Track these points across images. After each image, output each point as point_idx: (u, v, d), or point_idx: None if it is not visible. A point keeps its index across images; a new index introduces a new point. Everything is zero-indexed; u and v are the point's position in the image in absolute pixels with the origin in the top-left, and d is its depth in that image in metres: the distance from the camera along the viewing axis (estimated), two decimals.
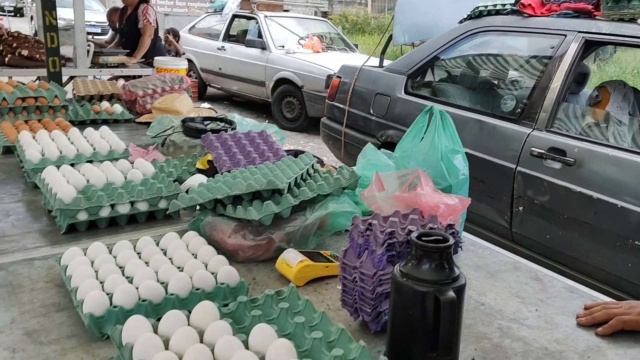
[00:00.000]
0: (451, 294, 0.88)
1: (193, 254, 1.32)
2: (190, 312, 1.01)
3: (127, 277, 1.19)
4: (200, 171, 2.05)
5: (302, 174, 1.60)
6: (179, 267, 1.24)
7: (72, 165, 1.93)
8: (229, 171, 1.93)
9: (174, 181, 1.76)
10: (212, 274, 1.23)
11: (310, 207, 1.49)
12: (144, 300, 1.12)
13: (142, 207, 1.65)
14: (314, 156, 1.89)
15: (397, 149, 1.60)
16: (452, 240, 0.92)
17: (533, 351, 1.12)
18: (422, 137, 1.56)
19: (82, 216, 1.55)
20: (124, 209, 1.62)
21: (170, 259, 1.29)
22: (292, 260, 1.33)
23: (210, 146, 2.11)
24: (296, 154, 2.24)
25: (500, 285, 1.38)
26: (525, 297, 1.32)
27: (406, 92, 3.81)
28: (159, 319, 1.01)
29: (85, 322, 1.05)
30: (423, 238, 0.93)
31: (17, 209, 1.71)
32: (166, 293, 1.16)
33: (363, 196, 1.41)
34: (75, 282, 1.16)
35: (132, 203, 1.63)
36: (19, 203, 1.77)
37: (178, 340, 0.91)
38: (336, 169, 1.69)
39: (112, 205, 1.60)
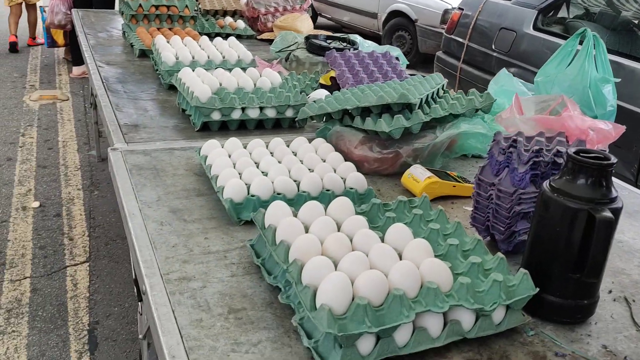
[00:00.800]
0: (608, 213, 0.83)
1: (322, 160, 1.34)
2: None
3: (262, 172, 1.23)
4: (322, 87, 2.05)
5: (433, 93, 1.55)
6: (309, 169, 1.27)
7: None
8: None
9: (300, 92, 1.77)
10: (342, 178, 1.24)
11: (441, 126, 1.45)
12: (278, 194, 1.15)
13: (270, 113, 1.68)
14: None
15: (539, 74, 1.50)
16: (614, 159, 0.86)
17: None
18: (570, 63, 1.45)
19: (216, 116, 1.61)
20: (253, 113, 1.66)
21: (300, 160, 1.32)
22: (419, 176, 1.31)
23: (334, 63, 2.10)
24: None
25: (639, 225, 1.30)
26: None
27: (535, 28, 3.56)
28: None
29: (226, 206, 1.11)
30: (581, 154, 0.87)
31: (154, 107, 1.81)
32: (298, 190, 1.19)
33: (500, 118, 1.35)
34: (215, 170, 1.22)
35: (260, 109, 1.67)
36: (155, 102, 1.87)
37: (317, 227, 0.93)
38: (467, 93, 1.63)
39: (243, 109, 1.65)
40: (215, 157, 1.27)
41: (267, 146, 1.39)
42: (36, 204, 2.95)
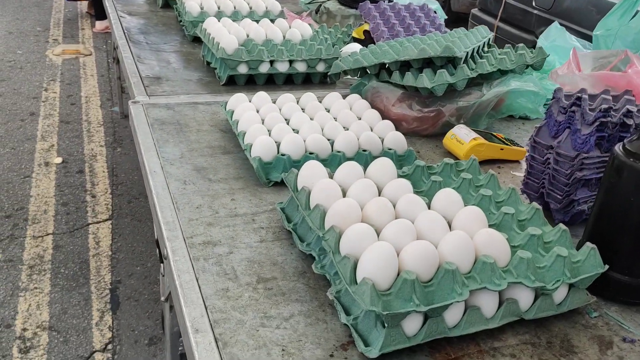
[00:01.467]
0: None
1: (357, 117, 1.23)
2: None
3: (292, 129, 1.13)
4: (355, 41, 1.93)
5: (478, 47, 1.42)
6: (344, 127, 1.16)
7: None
8: None
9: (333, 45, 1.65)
10: (379, 138, 1.14)
11: (488, 84, 1.33)
12: (311, 153, 1.06)
13: (301, 67, 1.57)
14: None
15: (599, 28, 1.36)
16: None
17: None
18: (634, 15, 1.30)
19: (243, 69, 1.51)
20: (282, 67, 1.55)
21: (334, 118, 1.21)
22: (463, 137, 1.20)
23: (368, 15, 1.96)
24: None
25: None
26: None
27: None
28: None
29: (254, 165, 1.02)
30: None
31: (177, 59, 1.71)
32: (332, 150, 1.09)
33: (556, 74, 1.22)
34: (243, 126, 1.12)
35: (290, 62, 1.56)
36: (178, 54, 1.77)
37: (357, 190, 0.84)
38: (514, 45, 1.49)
39: (271, 63, 1.54)
40: (242, 112, 1.17)
41: (297, 101, 1.29)
42: (59, 159, 2.91)
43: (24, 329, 1.88)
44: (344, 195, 0.84)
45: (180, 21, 2.05)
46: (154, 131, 1.18)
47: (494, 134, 1.27)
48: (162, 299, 1.21)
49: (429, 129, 1.31)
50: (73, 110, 3.50)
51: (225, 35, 1.53)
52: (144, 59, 1.66)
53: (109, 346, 1.86)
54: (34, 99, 3.60)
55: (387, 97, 1.33)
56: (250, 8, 1.98)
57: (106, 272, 2.18)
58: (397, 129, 1.29)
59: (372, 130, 1.17)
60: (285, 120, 1.17)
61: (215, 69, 1.59)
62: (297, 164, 1.04)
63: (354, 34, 1.95)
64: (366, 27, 1.94)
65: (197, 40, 1.87)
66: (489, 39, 1.52)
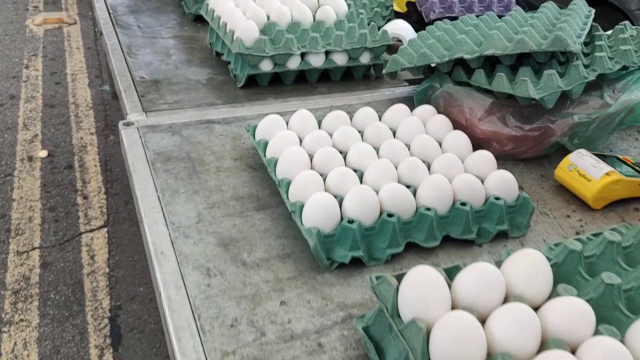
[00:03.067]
0: None
1: (436, 141, 0.88)
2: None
3: (355, 170, 0.78)
4: (398, 15, 1.55)
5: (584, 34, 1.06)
6: (423, 161, 0.82)
7: None
8: (439, 19, 1.43)
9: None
10: (478, 178, 0.79)
11: (608, 86, 0.98)
12: (390, 215, 0.72)
13: (340, 59, 1.21)
14: None
15: None
16: None
17: None
18: None
19: (267, 66, 1.15)
20: (317, 60, 1.19)
21: (406, 145, 0.86)
22: (589, 170, 0.86)
23: None
24: (526, 4, 1.66)
25: None
26: None
27: None
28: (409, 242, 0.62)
29: (310, 241, 0.68)
30: None
31: (178, 49, 1.34)
32: (415, 204, 0.75)
33: None
34: (285, 170, 0.77)
35: (326, 53, 1.20)
36: (179, 40, 1.40)
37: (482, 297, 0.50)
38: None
39: (302, 55, 1.18)
40: (280, 144, 0.82)
41: (350, 118, 0.94)
42: (44, 153, 2.55)
43: None
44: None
45: None
46: (157, 174, 0.83)
47: (621, 157, 0.93)
48: None
49: (529, 152, 0.96)
50: (58, 91, 3.12)
51: (241, 21, 1.16)
52: (136, 50, 1.29)
53: None
54: (13, 79, 3.21)
55: (469, 108, 0.98)
56: None
57: (104, 295, 1.86)
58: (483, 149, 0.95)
59: (463, 165, 0.83)
60: (340, 152, 0.82)
61: (229, 63, 1.23)
62: (371, 232, 0.71)
63: (395, 6, 1.57)
64: None
65: (200, 18, 1.50)
66: (591, 22, 1.15)
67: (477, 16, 1.39)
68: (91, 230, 2.13)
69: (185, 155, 0.89)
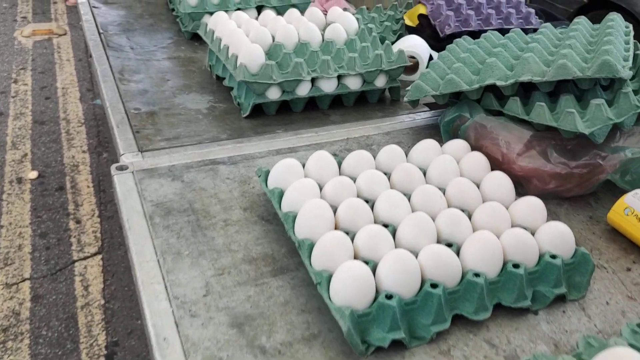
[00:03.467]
0: None
1: (474, 183, 0.78)
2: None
3: (386, 226, 0.67)
4: (409, 29, 1.45)
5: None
6: (462, 210, 0.71)
7: (238, 10, 1.41)
8: (456, 34, 1.33)
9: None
10: (527, 231, 0.69)
11: None
12: (434, 285, 0.61)
13: (354, 84, 1.10)
14: None
15: None
16: None
17: None
18: None
19: (274, 94, 1.04)
20: (329, 85, 1.08)
21: (441, 189, 0.75)
22: None
23: None
24: (545, 14, 1.57)
25: None
26: None
27: None
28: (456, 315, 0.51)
29: (343, 325, 0.57)
30: None
31: (175, 72, 1.23)
32: (461, 270, 0.64)
33: None
34: (306, 230, 0.66)
35: (338, 78, 1.09)
36: (175, 61, 1.29)
37: None
38: None
39: (313, 80, 1.07)
40: (299, 195, 0.71)
41: (374, 158, 0.83)
42: (34, 174, 2.43)
43: None
44: None
45: (173, 10, 1.55)
46: (156, 232, 0.72)
47: None
48: None
49: (574, 190, 0.85)
50: (48, 107, 2.99)
51: (244, 44, 1.05)
52: (129, 76, 1.18)
53: None
54: (1, 94, 3.08)
55: (505, 141, 0.87)
56: None
57: (99, 329, 1.75)
58: (523, 188, 0.85)
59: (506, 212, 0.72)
60: (366, 200, 0.71)
61: (232, 89, 1.12)
62: (412, 306, 0.60)
63: (406, 20, 1.47)
64: (421, 9, 1.46)
65: (197, 36, 1.39)
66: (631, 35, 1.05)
67: (498, 30, 1.29)
68: (85, 258, 2.01)
69: (188, 206, 0.78)
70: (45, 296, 1.85)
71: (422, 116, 1.10)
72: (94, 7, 1.57)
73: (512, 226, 0.71)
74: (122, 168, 0.85)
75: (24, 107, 2.97)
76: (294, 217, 0.68)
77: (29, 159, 2.54)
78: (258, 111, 1.06)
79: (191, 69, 1.26)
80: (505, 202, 0.75)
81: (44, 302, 1.82)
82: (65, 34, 3.93)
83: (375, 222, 0.69)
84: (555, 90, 0.90)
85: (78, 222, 2.18)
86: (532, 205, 0.73)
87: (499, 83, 0.89)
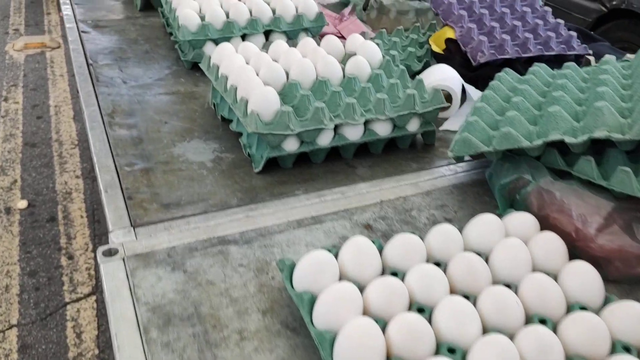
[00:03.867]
0: None
1: (543, 271, 0.62)
2: None
3: (452, 351, 0.52)
4: (438, 58, 1.29)
5: None
6: (544, 321, 0.55)
7: (243, 38, 1.25)
8: (491, 63, 1.18)
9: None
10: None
11: None
12: None
13: (383, 130, 0.95)
14: None
15: None
16: None
17: None
18: None
19: (291, 145, 0.88)
20: (354, 133, 0.93)
21: (507, 285, 0.60)
22: None
23: (448, 14, 1.33)
24: (582, 34, 1.41)
25: None
26: None
27: None
28: None
29: None
30: None
31: (173, 112, 1.07)
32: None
33: None
34: (346, 351, 0.51)
35: (365, 123, 0.94)
36: (173, 98, 1.13)
37: None
38: None
39: (335, 128, 0.92)
40: (338, 309, 0.55)
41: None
42: (23, 203, 2.27)
43: None
44: None
45: (171, 34, 1.40)
46: (153, 353, 0.56)
47: None
48: None
49: None
50: (40, 127, 2.83)
51: (255, 85, 0.90)
52: (120, 120, 1.02)
53: None
54: None
55: (580, 213, 0.71)
56: (274, 13, 1.32)
57: None
58: (601, 269, 0.69)
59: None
60: (420, 309, 0.56)
61: (240, 135, 0.96)
62: None
63: (433, 46, 1.31)
64: (449, 33, 1.30)
65: (197, 67, 1.23)
66: None
67: (538, 58, 1.14)
68: (77, 300, 1.85)
69: (193, 310, 0.62)
70: (33, 346, 1.69)
71: (464, 168, 0.94)
72: (83, 31, 1.41)
73: (612, 341, 0.55)
74: (110, 252, 0.69)
75: (14, 128, 2.81)
76: (332, 340, 0.53)
77: (19, 186, 2.38)
78: (272, 164, 0.90)
79: (192, 107, 1.10)
80: (593, 304, 0.59)
81: (32, 353, 1.66)
82: (58, 47, 3.78)
83: (438, 342, 0.53)
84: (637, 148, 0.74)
85: (70, 257, 2.02)
86: (631, 313, 0.57)
87: (567, 139, 0.74)
